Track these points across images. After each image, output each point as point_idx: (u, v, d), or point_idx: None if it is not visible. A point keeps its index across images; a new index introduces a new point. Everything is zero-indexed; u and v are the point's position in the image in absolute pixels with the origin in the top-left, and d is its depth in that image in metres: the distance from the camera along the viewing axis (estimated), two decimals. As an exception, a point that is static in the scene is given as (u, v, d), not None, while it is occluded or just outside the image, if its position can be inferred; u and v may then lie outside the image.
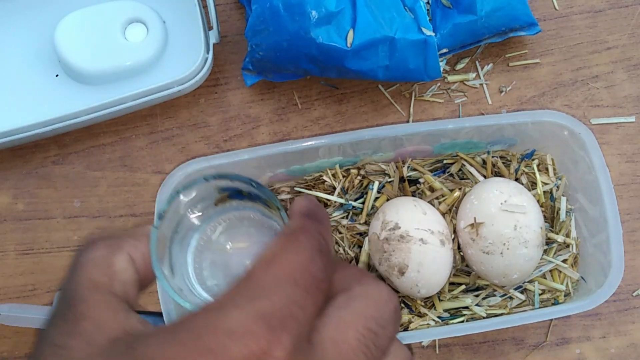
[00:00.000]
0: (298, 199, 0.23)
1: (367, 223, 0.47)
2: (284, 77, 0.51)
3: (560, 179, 0.48)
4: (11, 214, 0.51)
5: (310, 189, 0.48)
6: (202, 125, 0.52)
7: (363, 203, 0.48)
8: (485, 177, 0.48)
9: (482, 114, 0.52)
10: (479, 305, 0.46)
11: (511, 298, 0.47)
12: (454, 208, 0.47)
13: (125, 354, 0.19)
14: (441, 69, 0.49)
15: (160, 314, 0.40)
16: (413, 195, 0.48)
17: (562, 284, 0.47)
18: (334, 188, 0.48)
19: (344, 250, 0.47)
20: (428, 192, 0.48)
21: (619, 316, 0.49)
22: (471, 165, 0.48)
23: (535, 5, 0.54)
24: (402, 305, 0.46)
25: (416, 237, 0.43)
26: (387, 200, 0.47)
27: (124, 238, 0.23)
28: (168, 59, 0.52)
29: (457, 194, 0.47)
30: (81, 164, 0.52)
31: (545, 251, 0.46)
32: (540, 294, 0.47)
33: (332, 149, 0.46)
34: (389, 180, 0.48)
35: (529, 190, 0.47)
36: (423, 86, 0.53)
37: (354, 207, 0.47)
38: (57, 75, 0.52)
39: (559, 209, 0.48)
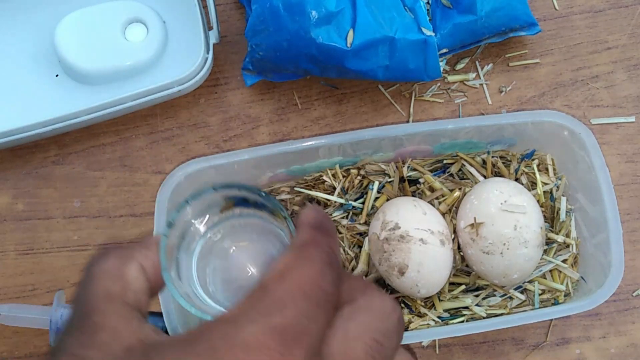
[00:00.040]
0: (306, 209, 0.23)
1: (367, 223, 0.47)
2: (284, 77, 0.51)
3: (560, 179, 0.48)
4: (11, 214, 0.51)
5: (310, 189, 0.48)
6: (202, 125, 0.52)
7: (363, 203, 0.48)
8: (485, 177, 0.48)
9: (482, 114, 0.52)
10: (479, 305, 0.46)
11: (511, 298, 0.47)
12: (454, 208, 0.47)
13: None
14: (441, 69, 0.49)
15: (160, 314, 0.41)
16: (413, 195, 0.48)
17: (562, 284, 0.47)
18: (334, 188, 0.48)
19: (344, 250, 0.47)
20: (428, 192, 0.48)
21: (619, 316, 0.49)
22: (471, 165, 0.48)
23: (535, 5, 0.54)
24: (402, 305, 0.46)
25: (416, 237, 0.43)
26: (387, 200, 0.47)
27: (134, 248, 0.24)
28: (168, 59, 0.52)
29: (457, 194, 0.47)
30: (81, 164, 0.52)
31: (545, 251, 0.46)
32: (540, 294, 0.47)
33: (332, 149, 0.46)
34: (389, 180, 0.48)
35: (529, 190, 0.47)
36: (423, 86, 0.53)
37: (354, 207, 0.47)
38: (57, 75, 0.52)
39: (559, 209, 0.48)
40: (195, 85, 0.50)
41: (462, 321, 0.46)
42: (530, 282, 0.47)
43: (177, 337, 0.20)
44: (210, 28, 0.50)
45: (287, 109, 0.53)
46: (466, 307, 0.46)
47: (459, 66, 0.53)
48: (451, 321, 0.46)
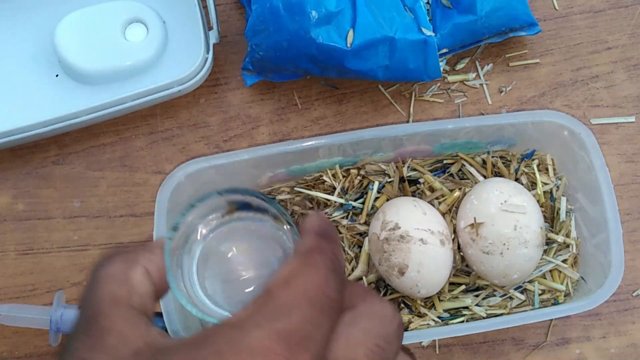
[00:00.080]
0: (310, 216, 0.24)
1: (367, 223, 0.47)
2: (284, 77, 0.51)
3: (560, 179, 0.48)
4: (11, 214, 0.51)
5: (310, 189, 0.48)
6: (202, 125, 0.52)
7: (363, 203, 0.48)
8: (485, 177, 0.48)
9: (482, 114, 0.52)
10: (479, 305, 0.46)
11: (511, 298, 0.47)
12: (454, 208, 0.47)
13: None
14: (441, 69, 0.49)
15: (160, 315, 0.41)
16: (413, 195, 0.48)
17: (562, 284, 0.47)
18: (334, 188, 0.48)
19: (344, 250, 0.47)
20: (428, 192, 0.48)
21: (619, 316, 0.49)
22: (471, 165, 0.48)
23: (535, 5, 0.54)
24: (402, 305, 0.46)
25: (416, 237, 0.43)
26: (387, 200, 0.47)
27: (138, 252, 0.24)
28: (168, 59, 0.52)
29: (457, 194, 0.47)
30: (81, 164, 0.52)
31: (545, 251, 0.46)
32: (540, 294, 0.47)
33: (332, 149, 0.46)
34: (389, 180, 0.48)
35: (529, 190, 0.47)
36: (423, 86, 0.53)
37: (354, 207, 0.47)
38: (57, 75, 0.52)
39: (559, 209, 0.48)
40: (195, 85, 0.50)
41: (462, 321, 0.46)
42: (530, 282, 0.47)
43: (184, 340, 0.20)
44: (210, 28, 0.50)
45: (287, 109, 0.53)
46: (466, 307, 0.46)
47: (459, 66, 0.53)
48: (451, 321, 0.46)
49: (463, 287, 0.46)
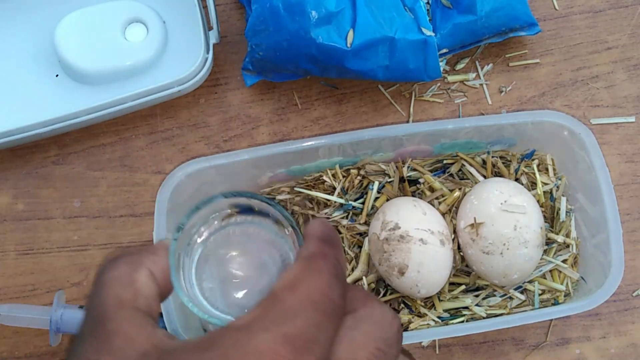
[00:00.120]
0: (313, 222, 0.24)
1: (367, 223, 0.47)
2: (284, 77, 0.51)
3: (560, 179, 0.48)
4: (11, 214, 0.51)
5: (310, 189, 0.48)
6: (202, 125, 0.52)
7: (363, 203, 0.48)
8: (485, 177, 0.48)
9: (482, 114, 0.52)
10: (479, 306, 0.46)
11: (511, 298, 0.47)
12: (454, 208, 0.47)
13: None
14: (441, 69, 0.49)
15: (160, 314, 0.41)
16: (413, 196, 0.48)
17: (562, 284, 0.47)
18: (334, 188, 0.48)
19: (344, 250, 0.47)
20: (428, 192, 0.48)
21: (619, 316, 0.49)
22: (471, 165, 0.48)
23: (535, 5, 0.54)
24: (402, 305, 0.46)
25: (416, 237, 0.43)
26: (387, 200, 0.47)
27: (142, 254, 0.24)
28: (168, 59, 0.52)
29: (457, 194, 0.47)
30: (81, 164, 0.52)
31: (545, 251, 0.46)
32: (540, 294, 0.47)
33: (332, 149, 0.46)
34: (389, 180, 0.48)
35: (529, 190, 0.47)
36: (423, 86, 0.53)
37: (354, 207, 0.47)
38: (57, 75, 0.52)
39: (559, 209, 0.48)
40: (195, 85, 0.50)
41: (462, 321, 0.46)
42: (530, 282, 0.47)
43: (190, 342, 0.20)
44: (210, 28, 0.50)
45: (287, 109, 0.53)
46: (466, 307, 0.46)
47: (459, 66, 0.53)
48: (451, 321, 0.46)
49: (463, 287, 0.46)
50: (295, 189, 0.48)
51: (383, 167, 0.48)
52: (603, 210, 0.44)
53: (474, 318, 0.46)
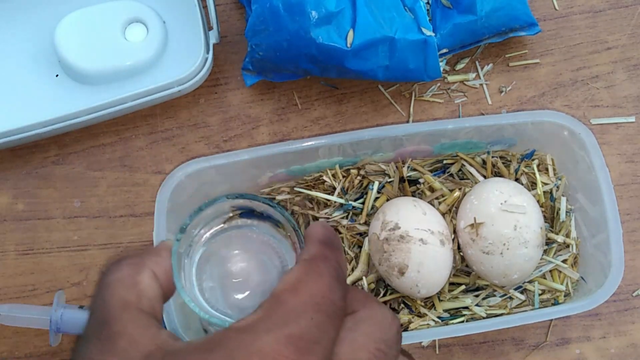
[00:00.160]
0: (314, 225, 0.25)
1: (367, 223, 0.47)
2: (284, 77, 0.51)
3: (560, 179, 0.48)
4: (11, 214, 0.51)
5: (310, 189, 0.48)
6: (202, 125, 0.52)
7: (363, 203, 0.48)
8: (485, 177, 0.48)
9: (482, 114, 0.52)
10: (479, 306, 0.46)
11: (511, 298, 0.47)
12: (454, 208, 0.47)
13: None
14: (441, 69, 0.49)
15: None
16: (413, 196, 0.48)
17: (562, 284, 0.47)
18: (334, 188, 0.48)
19: (344, 250, 0.47)
20: (428, 192, 0.48)
21: (619, 316, 0.49)
22: (471, 165, 0.48)
23: (535, 5, 0.54)
24: (402, 305, 0.46)
25: (416, 237, 0.43)
26: (387, 200, 0.47)
27: (145, 256, 0.25)
28: (168, 59, 0.52)
29: (457, 194, 0.47)
30: (81, 164, 0.52)
31: (545, 251, 0.46)
32: (540, 294, 0.47)
33: (332, 149, 0.46)
34: (389, 180, 0.48)
35: (529, 190, 0.47)
36: (423, 86, 0.53)
37: (354, 207, 0.47)
38: (57, 75, 0.52)
39: (559, 209, 0.48)
40: (195, 85, 0.50)
41: (462, 321, 0.46)
42: (530, 282, 0.47)
43: (194, 343, 0.20)
44: (210, 28, 0.50)
45: (287, 109, 0.53)
46: (466, 307, 0.46)
47: (459, 66, 0.53)
48: (451, 321, 0.46)
49: (463, 287, 0.46)
50: (295, 189, 0.48)
51: (383, 167, 0.48)
52: (603, 210, 0.44)
53: (474, 318, 0.46)
